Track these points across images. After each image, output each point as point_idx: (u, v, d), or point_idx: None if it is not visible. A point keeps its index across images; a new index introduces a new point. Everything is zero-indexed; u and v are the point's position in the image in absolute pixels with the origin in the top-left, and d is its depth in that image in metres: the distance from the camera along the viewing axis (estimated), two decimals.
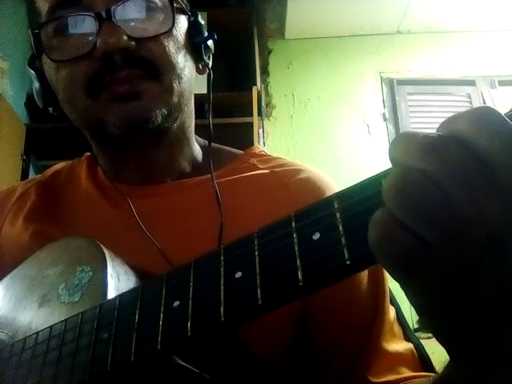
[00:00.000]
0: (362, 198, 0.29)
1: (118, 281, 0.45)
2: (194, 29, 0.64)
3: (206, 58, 0.65)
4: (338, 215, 0.29)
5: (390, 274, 0.27)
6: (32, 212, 0.66)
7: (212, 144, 0.69)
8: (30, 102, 2.57)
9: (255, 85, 2.57)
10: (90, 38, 0.55)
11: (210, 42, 0.65)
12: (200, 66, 0.67)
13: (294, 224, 0.31)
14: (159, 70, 0.57)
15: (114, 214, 0.62)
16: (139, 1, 0.57)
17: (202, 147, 0.71)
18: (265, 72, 2.96)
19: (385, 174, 0.28)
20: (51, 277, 0.50)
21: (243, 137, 2.25)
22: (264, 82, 2.92)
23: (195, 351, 0.43)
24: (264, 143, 2.65)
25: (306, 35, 3.00)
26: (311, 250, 0.29)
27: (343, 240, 0.28)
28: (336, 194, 0.30)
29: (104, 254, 0.47)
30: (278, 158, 0.69)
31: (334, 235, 0.28)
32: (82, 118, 0.60)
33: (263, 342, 0.52)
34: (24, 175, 2.38)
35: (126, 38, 0.55)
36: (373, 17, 2.87)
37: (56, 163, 0.76)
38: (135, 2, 0.57)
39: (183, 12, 0.63)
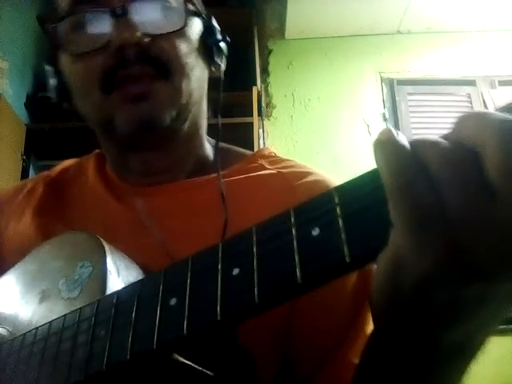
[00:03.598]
0: (363, 193, 0.28)
1: (117, 276, 0.45)
2: (207, 31, 0.65)
3: (217, 59, 0.66)
4: (338, 210, 0.28)
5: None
6: (39, 206, 0.66)
7: (222, 144, 0.69)
8: (30, 102, 2.56)
9: (255, 85, 2.56)
10: (106, 33, 0.57)
11: (222, 44, 0.66)
12: (213, 68, 0.68)
13: (293, 219, 0.30)
14: (170, 70, 0.58)
15: (120, 211, 0.62)
16: (154, 0, 0.59)
17: (213, 147, 0.71)
18: (265, 72, 2.96)
19: None
20: (52, 272, 0.50)
21: (243, 137, 2.24)
22: (264, 82, 2.92)
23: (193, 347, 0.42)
24: (264, 143, 2.64)
25: (306, 35, 2.99)
26: (310, 247, 0.28)
27: (343, 236, 0.27)
28: (336, 187, 0.29)
29: (104, 248, 0.47)
30: (287, 159, 0.68)
31: (333, 231, 0.27)
32: (94, 113, 0.60)
33: (253, 334, 0.51)
34: (24, 175, 2.37)
35: (139, 33, 0.56)
36: (373, 17, 2.87)
37: (56, 163, 0.76)
38: (150, 1, 0.59)
39: (197, 15, 0.64)
